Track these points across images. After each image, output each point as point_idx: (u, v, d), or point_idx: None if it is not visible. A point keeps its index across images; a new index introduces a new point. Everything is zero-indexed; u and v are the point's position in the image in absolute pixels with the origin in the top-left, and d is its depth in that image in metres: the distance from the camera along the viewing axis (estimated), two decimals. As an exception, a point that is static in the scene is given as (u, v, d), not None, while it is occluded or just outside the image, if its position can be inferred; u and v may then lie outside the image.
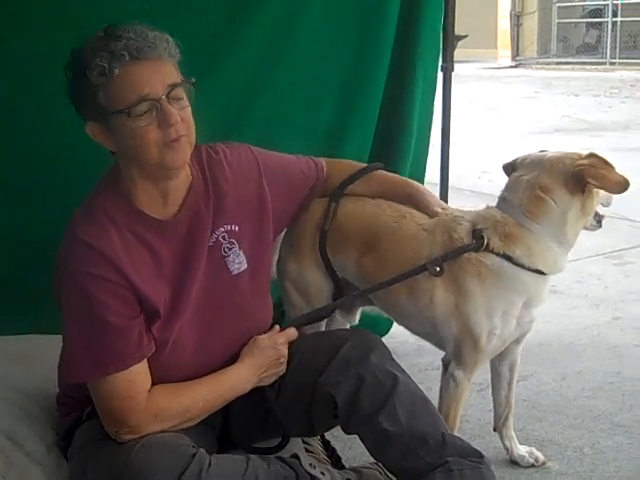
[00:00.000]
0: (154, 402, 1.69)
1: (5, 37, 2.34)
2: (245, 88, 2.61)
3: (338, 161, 2.20)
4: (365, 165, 2.19)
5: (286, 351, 1.88)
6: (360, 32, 2.73)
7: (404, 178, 2.20)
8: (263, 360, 1.84)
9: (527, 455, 2.31)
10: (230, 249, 1.84)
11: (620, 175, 1.98)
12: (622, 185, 1.97)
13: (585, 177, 1.96)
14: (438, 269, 1.98)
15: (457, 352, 2.04)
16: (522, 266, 1.98)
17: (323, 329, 2.18)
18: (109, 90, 1.61)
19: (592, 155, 2.01)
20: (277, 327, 1.89)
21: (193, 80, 1.69)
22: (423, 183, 2.93)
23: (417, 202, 2.12)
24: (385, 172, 2.19)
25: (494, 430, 2.35)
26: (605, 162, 1.99)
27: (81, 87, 1.63)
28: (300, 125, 2.69)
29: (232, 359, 1.84)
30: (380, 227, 2.11)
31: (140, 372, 1.69)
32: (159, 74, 1.64)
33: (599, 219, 2.11)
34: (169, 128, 1.63)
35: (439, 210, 2.10)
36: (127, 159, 1.69)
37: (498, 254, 1.98)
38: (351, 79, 2.76)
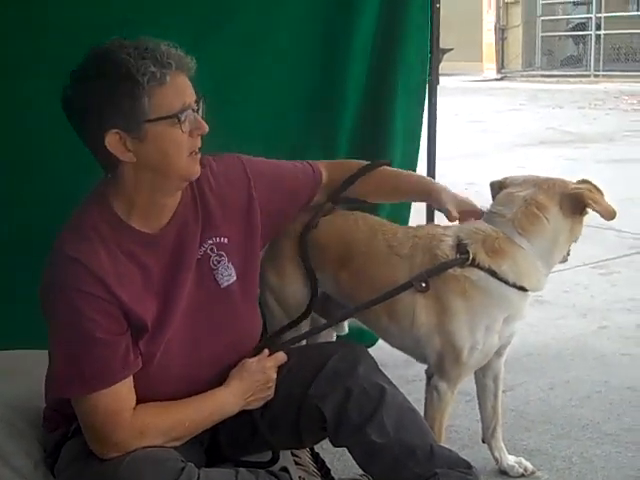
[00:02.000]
0: (139, 419, 1.68)
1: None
2: (215, 96, 2.60)
3: (340, 162, 2.18)
4: (367, 163, 2.14)
5: (274, 375, 1.87)
6: (333, 41, 2.71)
7: (416, 174, 2.16)
8: (251, 384, 1.83)
9: (516, 465, 2.32)
10: (219, 262, 1.84)
11: (610, 205, 2.02)
12: (612, 213, 2.01)
13: (585, 199, 1.98)
14: (424, 285, 1.98)
15: (440, 366, 2.05)
16: (507, 282, 1.98)
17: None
18: (156, 97, 1.62)
19: (586, 181, 2.05)
20: (266, 351, 1.88)
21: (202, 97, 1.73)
22: None
23: (433, 202, 2.10)
24: (391, 168, 2.16)
25: (483, 442, 2.35)
26: (598, 189, 2.03)
27: (117, 92, 1.61)
28: (268, 135, 2.65)
29: (221, 372, 1.83)
30: (354, 245, 2.11)
31: (125, 389, 1.68)
32: (190, 86, 1.69)
33: (568, 252, 2.12)
34: (198, 137, 1.69)
35: (455, 213, 2.06)
36: (145, 169, 1.67)
37: (483, 269, 1.97)
38: (322, 90, 2.74)
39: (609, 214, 2.01)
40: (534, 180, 2.07)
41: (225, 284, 1.84)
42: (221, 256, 1.84)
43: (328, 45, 2.71)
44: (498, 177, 2.20)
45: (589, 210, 2.02)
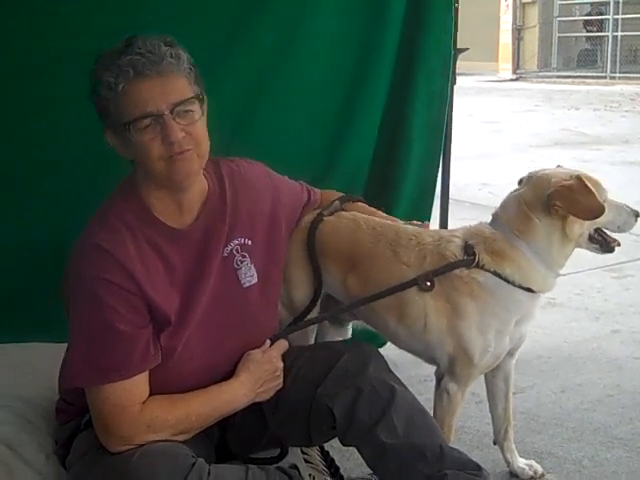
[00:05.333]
0: (148, 413, 1.68)
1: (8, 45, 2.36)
2: (245, 102, 2.63)
3: (327, 192, 2.25)
4: (343, 195, 2.24)
5: (281, 364, 1.87)
6: (361, 46, 2.75)
7: (380, 212, 2.23)
8: (260, 374, 1.84)
9: (527, 468, 2.31)
10: (242, 262, 1.86)
11: (596, 202, 1.94)
12: (594, 212, 1.95)
13: (554, 199, 1.94)
14: (429, 283, 1.97)
15: (451, 368, 2.04)
16: (513, 283, 1.97)
17: (312, 341, 2.18)
18: (116, 104, 1.65)
19: (576, 177, 1.98)
20: (268, 342, 1.89)
21: (200, 95, 1.71)
22: (433, 195, 2.97)
23: None
24: (364, 204, 2.24)
25: (494, 444, 2.35)
26: (585, 186, 1.96)
27: (97, 97, 1.68)
28: (300, 138, 2.71)
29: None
30: (359, 249, 2.09)
31: (140, 383, 1.69)
32: (163, 91, 1.66)
33: (605, 243, 2.05)
34: (171, 144, 1.66)
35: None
36: (140, 169, 1.72)
37: (489, 271, 1.97)
38: (352, 92, 2.79)
39: (588, 212, 1.94)
40: (532, 177, 2.04)
41: (247, 284, 1.86)
42: (244, 257, 1.86)
43: (356, 51, 2.75)
44: (512, 178, 2.19)
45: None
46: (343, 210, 2.19)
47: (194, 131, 1.69)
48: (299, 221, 2.12)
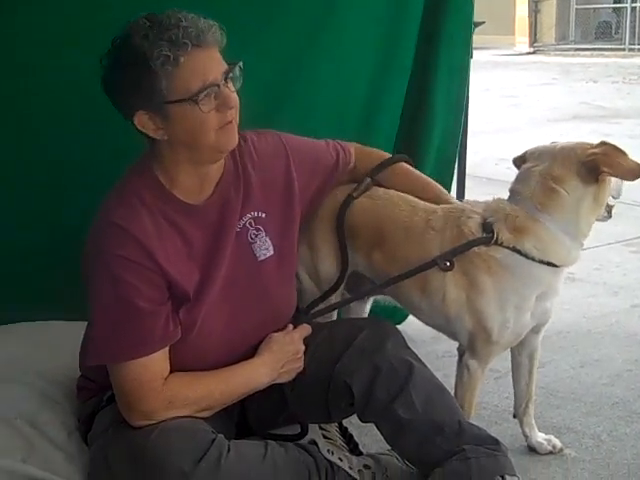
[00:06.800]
0: (170, 389, 1.70)
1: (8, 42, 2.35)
2: (279, 78, 2.63)
3: (368, 149, 2.21)
4: (390, 155, 2.20)
5: (303, 347, 1.88)
6: (386, 21, 2.75)
7: (426, 177, 2.22)
8: (282, 355, 1.85)
9: (545, 442, 2.31)
10: (256, 235, 1.86)
11: (634, 162, 1.96)
12: (637, 172, 1.95)
13: (600, 166, 1.93)
14: (448, 264, 1.97)
15: (471, 344, 2.05)
16: (533, 259, 1.96)
17: (335, 316, 2.19)
18: (172, 79, 1.62)
19: (604, 143, 1.99)
20: (291, 326, 1.90)
21: (241, 64, 1.71)
22: (453, 171, 2.98)
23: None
24: (409, 167, 2.20)
25: (514, 417, 2.35)
26: (618, 149, 1.97)
27: (137, 77, 1.63)
28: (327, 117, 2.70)
29: (257, 346, 1.86)
30: (389, 223, 2.10)
31: (161, 359, 1.70)
32: (216, 59, 1.67)
33: (609, 209, 2.08)
34: (227, 111, 1.67)
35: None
36: (178, 144, 1.71)
37: (508, 247, 1.96)
38: (378, 68, 2.79)
39: (632, 173, 1.95)
40: (551, 151, 2.03)
41: (262, 257, 1.86)
42: (259, 230, 1.86)
43: (380, 30, 2.75)
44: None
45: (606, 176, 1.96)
46: (377, 185, 2.15)
47: (236, 98, 1.71)
48: (325, 178, 2.06)
